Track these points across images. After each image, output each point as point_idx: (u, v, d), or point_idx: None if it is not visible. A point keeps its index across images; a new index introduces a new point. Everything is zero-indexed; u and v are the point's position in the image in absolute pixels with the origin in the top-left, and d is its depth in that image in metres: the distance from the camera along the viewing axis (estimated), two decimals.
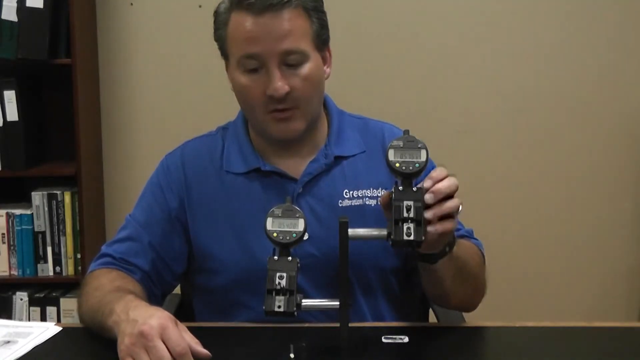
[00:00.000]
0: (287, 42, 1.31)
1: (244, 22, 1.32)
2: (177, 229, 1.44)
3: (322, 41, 1.39)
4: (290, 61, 1.33)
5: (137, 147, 2.73)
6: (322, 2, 1.39)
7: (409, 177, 1.17)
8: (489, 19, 2.68)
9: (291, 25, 1.32)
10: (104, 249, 1.45)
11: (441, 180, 1.17)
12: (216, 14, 1.39)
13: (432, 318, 1.63)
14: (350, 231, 1.20)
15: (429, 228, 1.15)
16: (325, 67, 1.41)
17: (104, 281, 1.34)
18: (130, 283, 1.35)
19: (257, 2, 1.30)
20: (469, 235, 1.49)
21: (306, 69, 1.34)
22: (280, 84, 1.32)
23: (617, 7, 2.66)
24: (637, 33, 2.68)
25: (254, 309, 1.38)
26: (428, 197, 1.15)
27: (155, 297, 1.43)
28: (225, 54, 1.40)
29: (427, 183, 1.16)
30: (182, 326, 1.12)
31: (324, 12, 1.39)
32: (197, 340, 1.12)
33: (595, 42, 2.68)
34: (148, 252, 1.41)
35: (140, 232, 1.43)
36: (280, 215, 1.17)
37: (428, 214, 1.15)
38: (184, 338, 1.09)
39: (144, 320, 1.09)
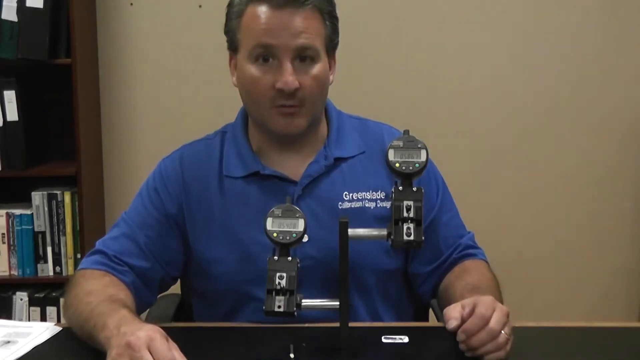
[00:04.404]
0: (303, 38, 1.32)
1: (262, 14, 1.33)
2: (174, 233, 1.43)
3: (332, 46, 1.40)
4: (303, 57, 1.34)
5: (137, 147, 2.73)
6: (335, 8, 1.40)
7: (409, 177, 1.17)
8: (489, 19, 2.68)
9: (308, 24, 1.33)
10: (98, 245, 1.42)
11: (476, 333, 1.14)
12: (230, 6, 1.40)
13: (432, 318, 1.63)
14: (350, 231, 1.20)
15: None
16: (329, 73, 1.41)
17: (97, 286, 1.31)
18: (122, 291, 1.32)
19: None
20: (472, 247, 1.49)
21: (316, 68, 1.35)
22: (291, 79, 1.32)
23: (618, 7, 2.66)
24: (637, 33, 2.68)
25: (250, 316, 1.39)
26: (462, 347, 1.16)
27: (144, 304, 1.42)
28: (234, 47, 1.40)
29: (460, 337, 1.16)
30: (172, 343, 1.09)
31: (336, 18, 1.40)
32: (184, 358, 1.08)
33: (596, 43, 2.68)
34: (142, 253, 1.40)
35: (135, 232, 1.41)
36: (280, 215, 1.17)
37: (468, 354, 1.16)
38: (171, 351, 1.06)
39: (132, 332, 1.08)
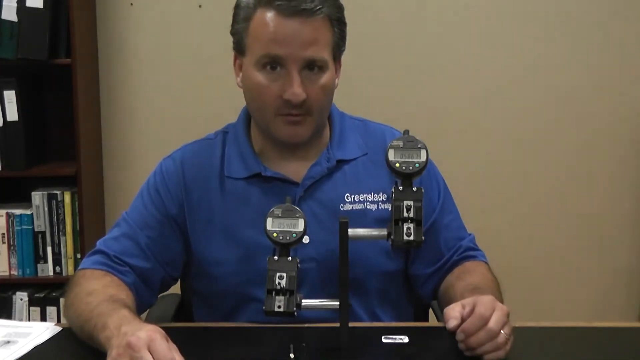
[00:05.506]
0: (312, 50, 1.31)
1: (271, 22, 1.30)
2: (175, 233, 1.42)
3: (339, 52, 1.39)
4: (311, 68, 1.32)
5: (137, 147, 2.73)
6: (344, 14, 1.38)
7: (409, 177, 1.17)
8: (489, 19, 2.68)
9: (317, 34, 1.31)
10: (98, 245, 1.42)
11: (475, 333, 1.14)
12: (237, 7, 1.37)
13: (432, 318, 1.63)
14: (351, 231, 1.19)
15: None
16: (335, 78, 1.40)
17: (97, 286, 1.30)
18: (123, 291, 1.32)
19: (289, 4, 1.28)
20: (473, 249, 1.49)
21: (324, 78, 1.34)
22: (299, 91, 1.31)
23: (618, 7, 2.66)
24: (637, 33, 2.68)
25: (250, 316, 1.38)
26: (461, 347, 1.17)
27: (145, 304, 1.42)
28: (241, 49, 1.38)
29: (459, 336, 1.16)
30: (172, 344, 1.09)
31: (345, 24, 1.38)
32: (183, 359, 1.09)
33: (596, 43, 2.68)
34: (143, 253, 1.40)
35: (136, 232, 1.41)
36: (280, 215, 1.17)
37: (467, 353, 1.16)
38: (171, 351, 1.06)
39: (132, 332, 1.08)
